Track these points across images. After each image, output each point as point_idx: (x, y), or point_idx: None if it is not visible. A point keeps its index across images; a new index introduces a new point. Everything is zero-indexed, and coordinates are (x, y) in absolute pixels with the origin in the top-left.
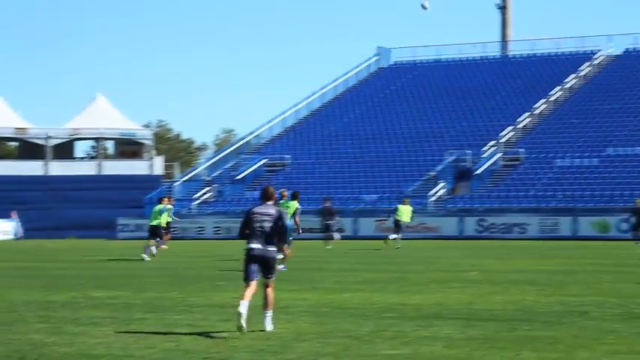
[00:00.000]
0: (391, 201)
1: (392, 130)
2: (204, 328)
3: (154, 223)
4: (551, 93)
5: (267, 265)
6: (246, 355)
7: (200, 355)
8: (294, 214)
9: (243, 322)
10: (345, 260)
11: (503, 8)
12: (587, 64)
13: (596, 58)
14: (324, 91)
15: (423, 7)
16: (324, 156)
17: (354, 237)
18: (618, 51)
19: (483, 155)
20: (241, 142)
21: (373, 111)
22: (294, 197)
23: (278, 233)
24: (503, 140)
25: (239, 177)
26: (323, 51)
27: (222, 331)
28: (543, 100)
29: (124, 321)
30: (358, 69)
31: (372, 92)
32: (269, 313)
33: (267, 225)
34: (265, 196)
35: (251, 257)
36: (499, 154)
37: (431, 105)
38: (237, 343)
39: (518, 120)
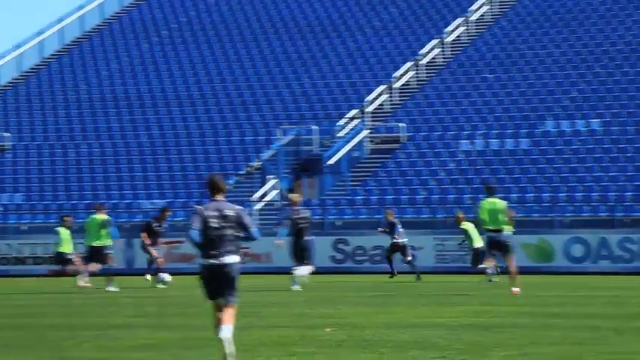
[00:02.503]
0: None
1: (182, 92)
2: None
3: None
4: (447, 30)
5: None
6: None
7: None
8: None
9: None
10: None
11: None
12: None
13: None
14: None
15: None
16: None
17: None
18: None
19: (339, 134)
20: None
21: (152, 56)
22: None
23: None
24: (370, 108)
25: None
26: None
27: None
28: (435, 42)
29: None
30: None
31: (138, 25)
32: None
33: None
34: None
35: None
36: (365, 132)
37: (239, 49)
38: None
39: (394, 76)
